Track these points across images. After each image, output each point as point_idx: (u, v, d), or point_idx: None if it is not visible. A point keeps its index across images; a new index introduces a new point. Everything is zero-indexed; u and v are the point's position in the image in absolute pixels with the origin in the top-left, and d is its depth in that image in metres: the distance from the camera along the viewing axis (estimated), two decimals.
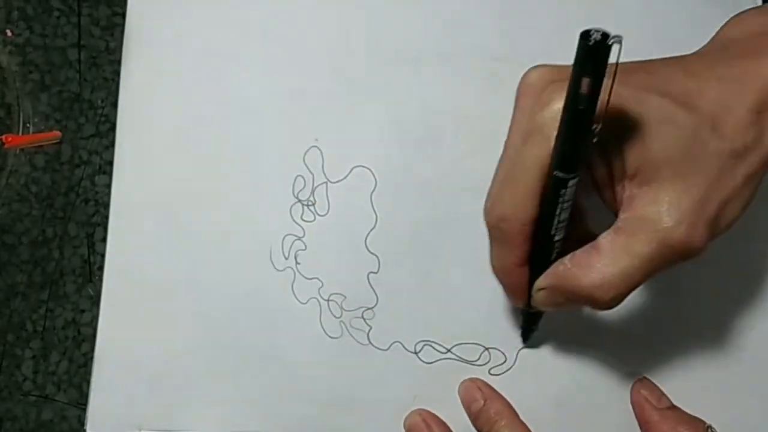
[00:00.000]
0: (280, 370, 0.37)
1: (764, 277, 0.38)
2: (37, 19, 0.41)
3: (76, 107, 0.40)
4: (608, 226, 0.29)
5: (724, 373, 0.37)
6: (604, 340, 0.37)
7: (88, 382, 0.37)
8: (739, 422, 0.36)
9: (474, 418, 0.36)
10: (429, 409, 0.37)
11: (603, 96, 0.25)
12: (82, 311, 0.39)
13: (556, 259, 0.30)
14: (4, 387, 0.38)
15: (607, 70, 0.24)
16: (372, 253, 0.38)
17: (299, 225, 0.38)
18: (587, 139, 0.26)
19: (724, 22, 0.32)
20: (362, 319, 0.37)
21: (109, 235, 0.38)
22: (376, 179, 0.38)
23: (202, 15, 0.39)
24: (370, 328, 0.37)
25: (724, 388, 0.37)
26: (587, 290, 0.28)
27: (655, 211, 0.27)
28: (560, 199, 0.28)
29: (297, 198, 0.38)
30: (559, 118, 0.27)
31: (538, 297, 0.31)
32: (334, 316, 0.37)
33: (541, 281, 0.31)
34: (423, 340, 0.37)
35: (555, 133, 0.27)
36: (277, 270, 0.37)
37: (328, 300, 0.37)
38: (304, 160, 0.38)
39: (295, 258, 0.38)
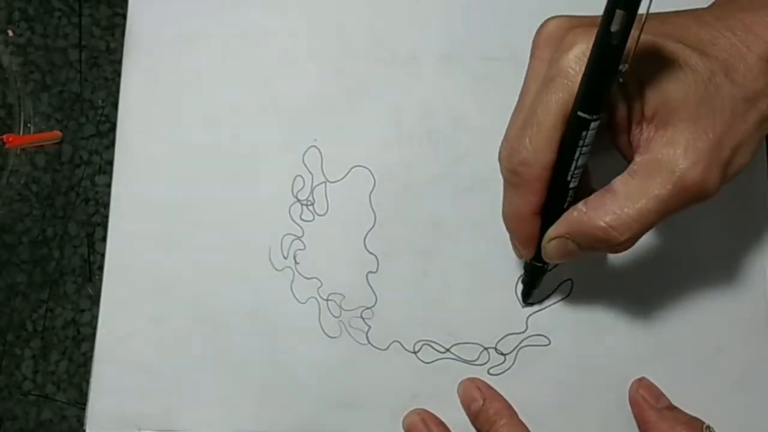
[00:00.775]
0: (279, 369, 0.37)
1: (764, 277, 0.38)
2: (38, 19, 0.41)
3: (76, 107, 0.40)
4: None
5: (723, 373, 0.37)
6: (604, 339, 0.37)
7: (88, 382, 0.37)
8: (738, 422, 0.36)
9: (473, 417, 0.36)
10: (428, 408, 0.36)
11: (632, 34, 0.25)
12: (82, 311, 0.39)
13: (567, 209, 0.30)
14: (4, 387, 0.38)
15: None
16: (371, 253, 0.38)
17: (298, 225, 0.38)
18: (614, 79, 0.27)
19: None
20: (361, 319, 0.37)
21: (109, 235, 0.38)
22: (375, 179, 0.38)
23: (202, 15, 0.39)
24: (369, 327, 0.37)
25: (722, 388, 0.37)
26: (603, 231, 0.29)
27: (671, 153, 0.28)
28: (580, 142, 0.28)
29: (296, 198, 0.38)
30: (583, 60, 0.27)
31: (549, 247, 0.31)
32: (333, 316, 0.37)
33: (553, 230, 0.31)
34: (422, 340, 0.37)
35: (579, 76, 0.27)
36: (276, 269, 0.37)
37: (327, 299, 0.37)
38: (303, 160, 0.38)
39: (294, 258, 0.38)
